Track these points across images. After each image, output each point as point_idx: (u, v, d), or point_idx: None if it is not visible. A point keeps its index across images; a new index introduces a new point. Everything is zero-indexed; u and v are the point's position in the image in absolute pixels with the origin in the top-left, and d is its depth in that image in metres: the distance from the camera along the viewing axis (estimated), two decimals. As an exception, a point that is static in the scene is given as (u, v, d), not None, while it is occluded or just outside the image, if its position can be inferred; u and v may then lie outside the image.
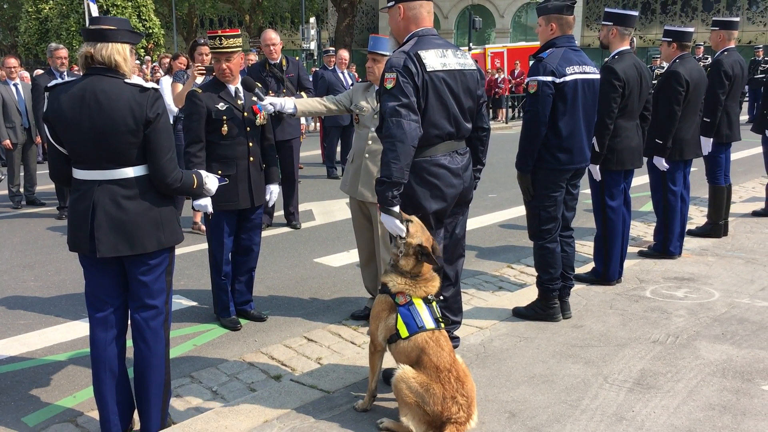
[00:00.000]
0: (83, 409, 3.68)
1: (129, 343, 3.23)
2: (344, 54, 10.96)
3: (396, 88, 3.25)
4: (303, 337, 4.63)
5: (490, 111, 20.78)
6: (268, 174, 4.78)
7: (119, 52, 2.96)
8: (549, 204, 4.38)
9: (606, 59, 5.22)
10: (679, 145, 5.74)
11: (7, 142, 8.71)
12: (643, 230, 7.37)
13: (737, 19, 6.81)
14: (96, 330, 3.14)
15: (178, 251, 5.01)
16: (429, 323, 3.13)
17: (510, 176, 8.89)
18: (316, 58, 31.51)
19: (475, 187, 3.82)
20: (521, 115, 21.62)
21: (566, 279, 4.59)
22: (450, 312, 3.80)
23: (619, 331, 4.34)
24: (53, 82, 3.05)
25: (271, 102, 4.51)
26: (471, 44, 27.61)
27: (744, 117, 16.36)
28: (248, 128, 4.58)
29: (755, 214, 7.65)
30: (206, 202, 4.29)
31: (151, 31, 31.36)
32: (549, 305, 4.52)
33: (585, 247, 6.52)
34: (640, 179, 7.21)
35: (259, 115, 4.61)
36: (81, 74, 3.04)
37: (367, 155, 4.48)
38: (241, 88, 4.63)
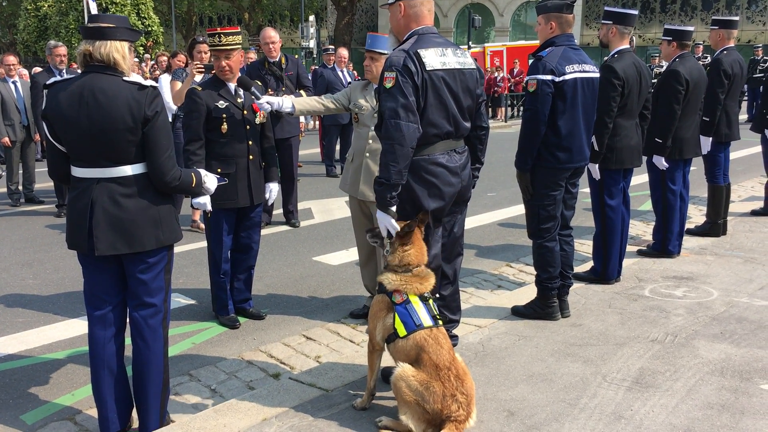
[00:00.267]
0: (82, 407, 3.68)
1: (128, 341, 3.23)
2: (343, 52, 10.94)
3: (395, 88, 3.25)
4: (302, 335, 4.63)
5: (489, 110, 20.76)
6: (267, 172, 4.78)
7: (118, 50, 2.95)
8: (548, 203, 4.38)
9: (605, 58, 5.21)
10: (678, 144, 5.74)
11: (6, 139, 8.70)
12: (642, 229, 7.38)
13: (737, 18, 6.81)
14: (95, 328, 3.14)
15: (177, 249, 5.00)
16: (427, 321, 3.14)
17: (509, 175, 8.89)
18: (315, 56, 31.50)
19: (473, 186, 3.82)
20: (520, 113, 21.69)
21: (565, 278, 4.59)
22: (449, 310, 3.80)
23: (617, 329, 4.34)
24: (52, 80, 3.04)
25: (269, 101, 4.50)
26: (470, 43, 27.56)
27: (743, 116, 16.37)
28: (248, 126, 4.57)
29: (754, 213, 7.66)
30: (205, 201, 4.28)
31: (150, 29, 31.34)
32: (548, 304, 4.52)
33: (584, 246, 6.52)
34: (640, 178, 7.21)
35: (258, 113, 4.61)
36: (80, 72, 3.03)
37: (367, 154, 4.48)
38: (241, 87, 4.62)
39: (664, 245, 5.91)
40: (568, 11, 4.34)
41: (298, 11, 39.04)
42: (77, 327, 4.71)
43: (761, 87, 9.31)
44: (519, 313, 4.60)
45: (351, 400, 3.41)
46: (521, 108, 21.41)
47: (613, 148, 5.04)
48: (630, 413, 3.28)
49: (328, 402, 3.42)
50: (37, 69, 13.01)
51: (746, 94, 18.72)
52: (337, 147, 11.18)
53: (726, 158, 6.87)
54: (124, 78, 2.96)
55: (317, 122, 13.47)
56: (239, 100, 4.57)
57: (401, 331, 3.13)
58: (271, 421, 3.23)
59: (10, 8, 43.56)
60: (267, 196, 4.81)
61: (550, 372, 3.74)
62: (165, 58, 8.87)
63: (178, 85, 6.83)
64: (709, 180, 6.87)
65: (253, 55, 10.70)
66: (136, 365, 3.17)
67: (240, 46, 4.58)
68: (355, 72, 12.91)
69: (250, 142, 4.59)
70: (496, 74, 21.35)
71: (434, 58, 3.34)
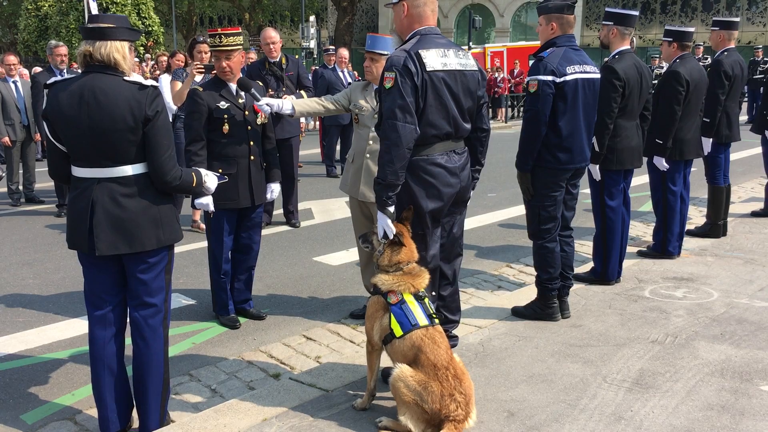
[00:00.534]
0: (82, 407, 3.68)
1: (128, 341, 3.23)
2: (344, 53, 10.94)
3: (394, 88, 3.26)
4: (302, 335, 4.63)
5: (490, 110, 20.77)
6: (269, 173, 4.78)
7: (118, 50, 2.95)
8: (549, 203, 4.38)
9: (606, 59, 5.21)
10: (679, 145, 5.75)
11: (6, 139, 8.70)
12: (642, 230, 7.37)
13: (737, 19, 6.82)
14: (95, 328, 3.14)
15: (178, 249, 4.99)
16: (422, 320, 3.14)
17: (509, 175, 8.90)
18: (315, 56, 31.50)
19: (473, 188, 3.82)
20: (520, 114, 21.72)
21: (565, 278, 4.59)
22: (448, 311, 3.81)
23: (617, 330, 4.34)
24: (52, 80, 3.05)
25: (268, 103, 4.50)
26: (471, 43, 27.59)
27: (743, 117, 16.36)
28: (249, 127, 4.57)
29: (754, 214, 7.66)
30: (208, 201, 4.29)
31: (150, 29, 31.31)
32: (548, 305, 4.52)
33: (584, 247, 6.52)
34: (640, 179, 7.22)
35: (259, 114, 4.61)
36: (80, 72, 3.04)
37: (368, 155, 4.47)
38: (242, 87, 4.62)
39: (665, 246, 5.91)
40: (569, 12, 4.34)
41: (299, 12, 39.05)
42: (77, 327, 4.71)
43: (761, 88, 9.32)
44: (519, 313, 4.60)
45: (351, 401, 3.41)
46: (521, 108, 21.44)
47: (614, 149, 5.04)
48: (630, 414, 3.28)
49: (329, 402, 3.42)
50: (38, 69, 13.02)
51: (746, 95, 18.74)
52: (338, 147, 11.18)
53: (726, 159, 6.87)
54: (125, 78, 2.96)
55: (318, 123, 13.45)
56: (240, 101, 4.57)
57: (397, 331, 3.13)
58: (271, 422, 3.23)
59: (10, 8, 43.56)
60: (269, 196, 4.81)
61: (550, 373, 3.74)
62: (165, 58, 8.88)
63: (178, 85, 6.83)
64: (710, 181, 6.87)
65: (253, 56, 10.71)
66: (137, 365, 3.17)
67: (241, 47, 4.58)
68: (355, 72, 12.90)
69: (252, 143, 4.59)
70: (496, 75, 21.36)
71: (435, 59, 3.35)
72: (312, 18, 33.65)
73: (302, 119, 8.60)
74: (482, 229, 7.54)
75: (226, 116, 4.49)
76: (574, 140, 4.29)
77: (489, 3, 41.99)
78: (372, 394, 3.36)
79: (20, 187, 9.12)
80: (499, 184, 10.03)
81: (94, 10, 15.01)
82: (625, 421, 3.22)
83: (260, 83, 4.93)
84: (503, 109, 21.44)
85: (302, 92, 6.82)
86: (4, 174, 8.56)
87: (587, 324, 4.47)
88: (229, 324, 4.76)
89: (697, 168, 7.21)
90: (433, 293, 3.58)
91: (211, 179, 3.37)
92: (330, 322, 4.86)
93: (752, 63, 18.79)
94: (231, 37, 4.48)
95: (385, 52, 4.33)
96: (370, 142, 4.45)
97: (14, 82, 8.91)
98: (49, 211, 8.53)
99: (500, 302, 4.95)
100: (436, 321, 3.21)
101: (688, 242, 6.32)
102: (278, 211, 7.91)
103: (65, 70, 8.28)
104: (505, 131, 18.40)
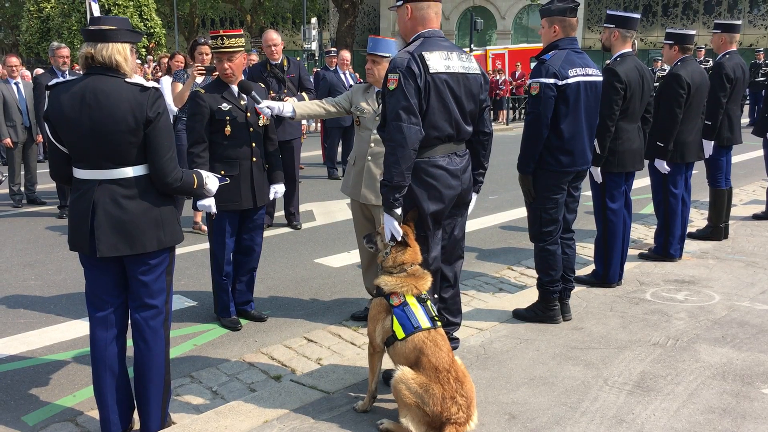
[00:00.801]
0: (83, 408, 3.68)
1: (129, 342, 3.23)
2: (346, 55, 10.95)
3: (398, 90, 3.27)
4: (303, 337, 4.63)
5: (491, 113, 20.77)
6: (271, 175, 4.78)
7: (119, 52, 2.96)
8: (550, 206, 4.38)
9: (608, 61, 5.22)
10: (680, 147, 5.74)
11: (8, 140, 8.72)
12: (643, 233, 7.37)
13: (739, 22, 6.82)
14: (96, 329, 3.14)
15: (179, 251, 5.01)
16: (425, 323, 3.14)
17: (511, 178, 8.90)
18: (317, 58, 31.52)
19: (478, 191, 3.83)
20: (522, 116, 21.72)
21: (567, 281, 4.59)
22: (449, 313, 3.81)
23: (619, 333, 4.34)
24: (54, 81, 3.05)
25: (269, 105, 4.50)
26: (472, 45, 27.58)
27: (745, 120, 16.36)
28: (251, 129, 4.58)
29: (756, 217, 7.65)
30: (210, 203, 4.29)
31: (152, 30, 31.34)
32: (549, 307, 4.52)
33: (585, 250, 6.52)
34: (641, 181, 7.22)
35: (261, 115, 4.61)
36: (82, 73, 3.04)
37: (369, 157, 4.48)
38: (244, 89, 4.63)
39: (666, 249, 5.91)
40: (571, 15, 4.34)
41: (300, 13, 39.09)
42: (79, 328, 4.71)
43: (763, 91, 9.31)
44: (520, 316, 4.60)
45: (352, 403, 3.41)
46: (523, 111, 21.44)
47: (615, 152, 5.04)
48: (631, 417, 3.27)
49: (330, 404, 3.42)
50: (40, 70, 13.06)
51: (748, 98, 18.73)
52: (339, 149, 11.19)
53: (728, 162, 6.87)
54: (127, 79, 2.96)
55: (319, 124, 13.46)
56: (242, 103, 4.57)
57: (399, 333, 3.13)
58: (272, 423, 3.23)
59: (12, 9, 43.62)
60: (272, 197, 4.82)
61: (551, 375, 3.74)
62: (167, 60, 8.89)
63: (179, 86, 6.84)
64: (711, 184, 6.87)
65: (255, 58, 10.73)
66: (138, 367, 3.17)
67: (243, 49, 4.59)
68: (357, 74, 12.91)
69: (254, 144, 4.60)
70: (497, 77, 21.37)
71: (438, 62, 3.35)
72: (314, 20, 33.66)
73: (303, 121, 8.59)
74: (483, 232, 7.54)
75: (228, 118, 4.49)
76: (576, 143, 4.29)
77: (490, 5, 42.01)
78: (373, 397, 3.36)
79: (22, 189, 9.14)
80: (501, 187, 10.03)
81: (96, 12, 15.05)
82: (627, 424, 3.21)
83: (262, 85, 4.93)
84: (504, 112, 21.45)
85: (304, 94, 6.83)
86: (4, 178, 8.56)
87: (588, 326, 4.46)
88: (230, 326, 4.76)
89: (699, 171, 7.21)
90: (435, 296, 3.58)
91: (212, 181, 3.37)
92: (331, 324, 4.86)
93: (754, 66, 18.76)
94: (233, 39, 4.48)
95: (387, 55, 4.34)
96: (372, 144, 4.46)
97: (16, 84, 8.93)
98: (51, 213, 8.54)
99: (501, 305, 4.95)
100: (438, 323, 3.21)
101: (690, 245, 6.31)
102: (279, 213, 7.92)
103: (67, 72, 8.29)
104: (507, 133, 18.39)
